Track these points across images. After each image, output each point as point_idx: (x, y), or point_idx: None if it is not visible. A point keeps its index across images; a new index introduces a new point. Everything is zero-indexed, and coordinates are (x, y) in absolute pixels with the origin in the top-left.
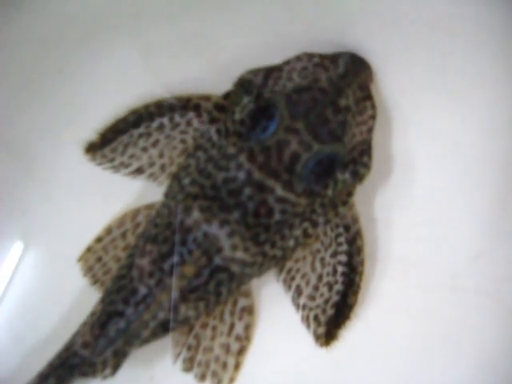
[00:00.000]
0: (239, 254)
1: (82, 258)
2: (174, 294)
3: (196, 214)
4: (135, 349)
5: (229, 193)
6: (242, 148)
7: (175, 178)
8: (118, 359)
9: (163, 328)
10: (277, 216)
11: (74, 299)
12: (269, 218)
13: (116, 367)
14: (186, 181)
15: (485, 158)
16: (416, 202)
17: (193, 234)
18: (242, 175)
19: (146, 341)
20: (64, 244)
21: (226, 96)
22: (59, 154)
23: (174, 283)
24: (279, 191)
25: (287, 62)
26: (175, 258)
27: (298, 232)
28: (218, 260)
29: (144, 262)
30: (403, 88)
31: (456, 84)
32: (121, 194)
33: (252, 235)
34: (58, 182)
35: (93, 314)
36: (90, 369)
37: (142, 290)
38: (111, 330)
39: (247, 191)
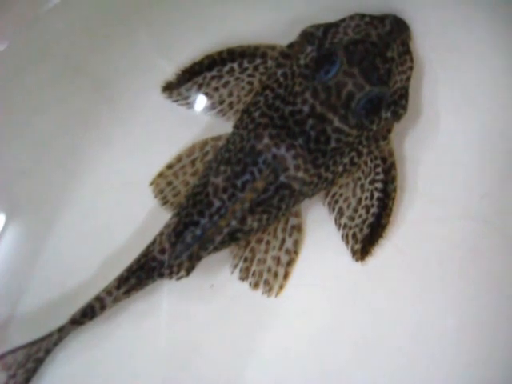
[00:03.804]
0: (301, 174)
1: (154, 182)
2: (245, 205)
3: (266, 140)
4: (207, 254)
5: (295, 123)
6: (307, 87)
7: (245, 112)
8: (192, 262)
9: (231, 237)
10: (332, 143)
11: (146, 219)
12: (326, 144)
13: (190, 269)
14: (257, 114)
15: (497, 111)
16: (439, 144)
17: (263, 156)
18: (306, 108)
19: (216, 248)
20: (139, 170)
21: (290, 46)
22: (138, 93)
23: (245, 196)
24: (336, 123)
25: (342, 20)
26: (247, 176)
27: (346, 159)
28: (283, 178)
29: (219, 180)
30: (434, 47)
31: (478, 45)
32: (190, 129)
33: (312, 158)
34: (136, 118)
35: (168, 226)
36: (167, 270)
37: (217, 203)
38: (188, 237)
39: (310, 122)
